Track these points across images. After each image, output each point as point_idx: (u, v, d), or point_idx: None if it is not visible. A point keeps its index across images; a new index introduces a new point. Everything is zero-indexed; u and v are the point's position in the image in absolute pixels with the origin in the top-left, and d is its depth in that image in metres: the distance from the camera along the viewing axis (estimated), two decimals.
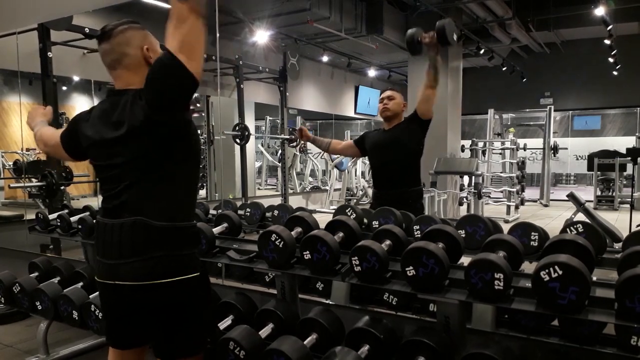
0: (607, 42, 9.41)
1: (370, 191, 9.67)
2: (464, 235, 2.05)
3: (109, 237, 1.54)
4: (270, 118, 11.63)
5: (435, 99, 2.88)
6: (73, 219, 3.04)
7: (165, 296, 1.52)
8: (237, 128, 6.69)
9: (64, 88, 7.60)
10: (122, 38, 1.56)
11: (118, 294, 1.56)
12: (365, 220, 2.39)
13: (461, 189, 8.59)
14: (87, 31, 4.62)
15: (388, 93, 3.03)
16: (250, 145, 8.31)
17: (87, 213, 3.00)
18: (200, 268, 1.60)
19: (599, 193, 10.33)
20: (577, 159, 14.31)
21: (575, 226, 1.93)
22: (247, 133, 6.69)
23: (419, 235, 2.14)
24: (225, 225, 2.41)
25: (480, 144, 10.30)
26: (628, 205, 7.19)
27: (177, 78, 1.40)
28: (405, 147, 2.95)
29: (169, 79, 1.41)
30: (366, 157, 3.36)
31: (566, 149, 13.02)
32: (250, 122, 8.84)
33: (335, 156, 10.06)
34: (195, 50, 1.41)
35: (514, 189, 9.17)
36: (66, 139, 1.78)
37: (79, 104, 7.86)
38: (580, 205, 3.00)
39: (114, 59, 1.57)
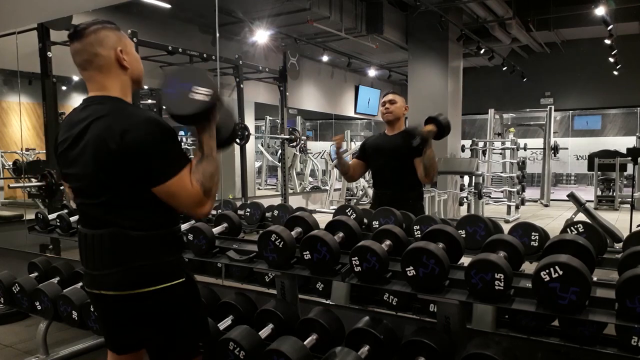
0: (607, 41, 9.40)
1: (370, 191, 9.67)
2: (464, 236, 2.04)
3: (90, 248, 1.52)
4: (270, 118, 11.63)
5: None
6: (72, 219, 3.03)
7: (150, 305, 1.50)
8: (236, 128, 6.67)
9: (64, 88, 7.60)
10: (94, 38, 1.50)
11: (104, 303, 1.55)
12: (365, 220, 2.38)
13: (461, 189, 8.59)
14: None
15: (390, 97, 3.02)
16: (250, 145, 8.32)
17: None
18: (186, 274, 1.57)
19: (599, 193, 10.33)
20: (578, 159, 14.29)
21: (575, 226, 1.93)
22: (247, 133, 6.68)
23: (419, 236, 2.14)
24: (225, 225, 2.41)
25: (481, 144, 10.30)
26: (628, 205, 7.18)
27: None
28: (406, 153, 2.94)
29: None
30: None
31: (566, 149, 13.01)
32: (250, 122, 8.85)
33: (336, 156, 10.06)
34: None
35: (515, 189, 9.16)
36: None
37: (79, 103, 7.85)
38: (580, 205, 2.99)
39: (85, 59, 1.51)
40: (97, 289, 1.53)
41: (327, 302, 2.37)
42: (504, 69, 11.33)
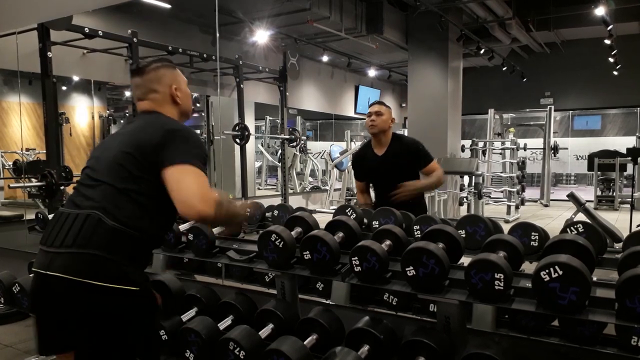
0: (607, 42, 9.41)
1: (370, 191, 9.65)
2: (464, 236, 2.04)
3: (60, 225, 1.51)
4: (270, 118, 11.62)
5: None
6: None
7: (92, 301, 1.44)
8: (237, 128, 6.68)
9: (64, 88, 7.59)
10: (154, 75, 1.72)
11: (47, 287, 1.50)
12: (365, 220, 2.38)
13: (461, 189, 8.59)
14: (87, 31, 4.62)
15: (376, 108, 3.00)
16: (250, 145, 8.32)
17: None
18: (142, 285, 1.53)
19: (599, 193, 10.33)
20: (578, 159, 14.30)
21: (575, 226, 1.93)
22: (247, 133, 6.69)
23: (419, 236, 2.14)
24: None
25: (481, 144, 10.29)
26: (628, 205, 7.18)
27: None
28: (404, 167, 2.94)
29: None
30: None
31: (566, 149, 13.01)
32: (250, 122, 8.85)
33: (336, 156, 10.07)
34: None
35: (514, 189, 9.16)
36: None
37: (79, 103, 7.85)
38: (580, 205, 2.99)
39: (143, 92, 1.72)
40: (45, 269, 1.48)
41: (327, 302, 2.37)
42: (504, 69, 11.33)
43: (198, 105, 8.89)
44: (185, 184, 1.48)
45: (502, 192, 9.75)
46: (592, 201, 9.80)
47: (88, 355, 1.50)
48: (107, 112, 7.99)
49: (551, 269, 1.48)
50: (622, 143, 10.97)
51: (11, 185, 6.48)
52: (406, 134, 8.37)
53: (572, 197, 3.08)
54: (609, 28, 8.69)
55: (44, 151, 4.80)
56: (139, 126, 1.65)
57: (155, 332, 1.71)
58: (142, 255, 1.59)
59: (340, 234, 2.04)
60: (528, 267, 1.83)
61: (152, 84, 1.70)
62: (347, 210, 2.38)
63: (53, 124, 4.48)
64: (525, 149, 10.56)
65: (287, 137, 7.96)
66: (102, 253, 1.45)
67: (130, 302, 1.49)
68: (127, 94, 8.59)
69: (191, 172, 1.51)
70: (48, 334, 1.57)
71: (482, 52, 9.70)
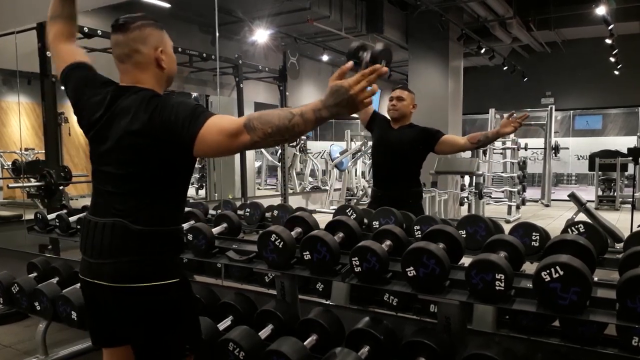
0: (608, 41, 9.41)
1: (370, 191, 9.65)
2: (464, 236, 2.04)
3: (92, 236, 1.53)
4: None
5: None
6: (72, 219, 3.03)
7: (140, 300, 1.49)
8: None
9: (63, 87, 7.60)
10: (138, 34, 1.52)
11: (96, 292, 1.54)
12: (366, 221, 2.38)
13: (462, 189, 8.57)
14: (86, 30, 4.61)
15: (397, 93, 2.97)
16: None
17: (86, 213, 2.99)
18: (181, 275, 1.57)
19: (600, 193, 10.32)
20: (579, 159, 14.28)
21: (576, 226, 1.92)
22: None
23: (420, 236, 2.14)
24: (224, 225, 2.40)
25: None
26: (629, 205, 7.18)
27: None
28: (410, 150, 2.92)
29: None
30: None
31: (567, 148, 13.00)
32: None
33: (336, 156, 10.06)
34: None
35: (515, 189, 9.15)
36: (73, 79, 1.76)
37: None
38: (581, 205, 2.99)
39: (125, 52, 1.53)
40: (91, 278, 1.53)
41: (327, 302, 2.37)
42: (505, 68, 11.33)
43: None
44: (214, 136, 1.36)
45: (502, 192, 9.74)
46: (593, 201, 9.78)
47: (145, 348, 1.56)
48: None
49: (552, 269, 1.47)
50: (623, 143, 10.96)
51: (10, 185, 6.48)
52: None
53: (573, 197, 3.07)
54: (609, 27, 8.69)
55: (43, 151, 4.80)
56: (131, 122, 1.47)
57: (197, 316, 1.73)
58: (175, 245, 1.58)
59: (340, 234, 2.03)
60: (529, 267, 1.82)
61: (135, 44, 1.51)
62: (347, 210, 2.37)
63: (52, 124, 4.47)
64: (526, 148, 10.55)
65: None
66: (138, 257, 1.48)
67: (174, 293, 1.53)
68: None
69: (209, 126, 1.36)
70: (102, 330, 1.62)
71: (482, 51, 9.70)
